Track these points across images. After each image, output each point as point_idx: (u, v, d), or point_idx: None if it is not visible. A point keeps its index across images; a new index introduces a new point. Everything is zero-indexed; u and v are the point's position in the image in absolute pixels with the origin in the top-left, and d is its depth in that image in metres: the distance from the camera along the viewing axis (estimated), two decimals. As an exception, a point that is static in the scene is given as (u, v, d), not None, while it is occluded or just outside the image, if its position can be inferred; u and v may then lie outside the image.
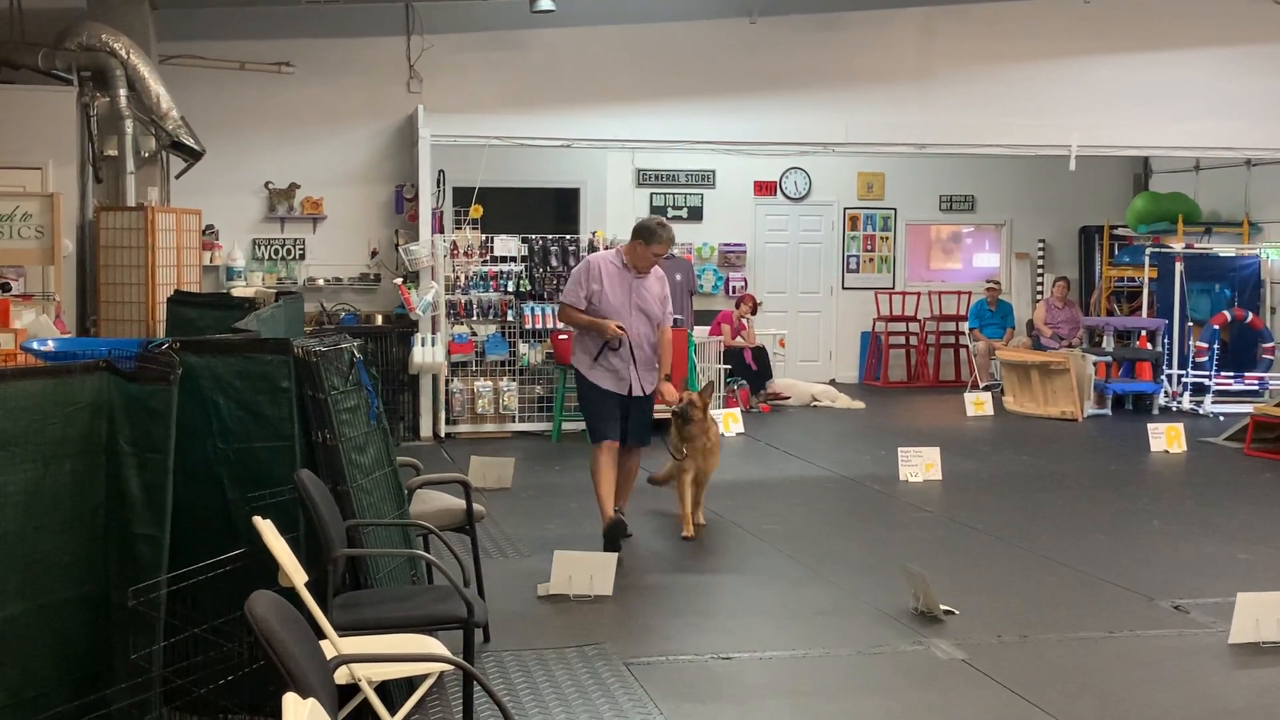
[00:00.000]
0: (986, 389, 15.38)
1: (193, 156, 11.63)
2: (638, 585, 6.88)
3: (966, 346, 16.94)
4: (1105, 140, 14.01)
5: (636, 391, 7.78)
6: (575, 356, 7.88)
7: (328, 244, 13.45)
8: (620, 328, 7.61)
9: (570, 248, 12.78)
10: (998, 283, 17.03)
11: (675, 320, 8.49)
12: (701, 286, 16.27)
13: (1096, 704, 5.25)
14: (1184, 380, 14.72)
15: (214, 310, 8.88)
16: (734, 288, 16.51)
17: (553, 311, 12.57)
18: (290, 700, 2.41)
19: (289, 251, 13.36)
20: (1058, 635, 6.17)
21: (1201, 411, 14.19)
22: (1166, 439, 11.86)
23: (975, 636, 6.06)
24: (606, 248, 12.66)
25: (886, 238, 17.53)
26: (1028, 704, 5.21)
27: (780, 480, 10.47)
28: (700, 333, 13.98)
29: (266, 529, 4.03)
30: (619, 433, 7.74)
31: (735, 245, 16.79)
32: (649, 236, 7.73)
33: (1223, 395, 14.45)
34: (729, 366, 14.12)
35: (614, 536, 7.51)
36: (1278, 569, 7.29)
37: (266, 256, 13.30)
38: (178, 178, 11.97)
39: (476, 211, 12.96)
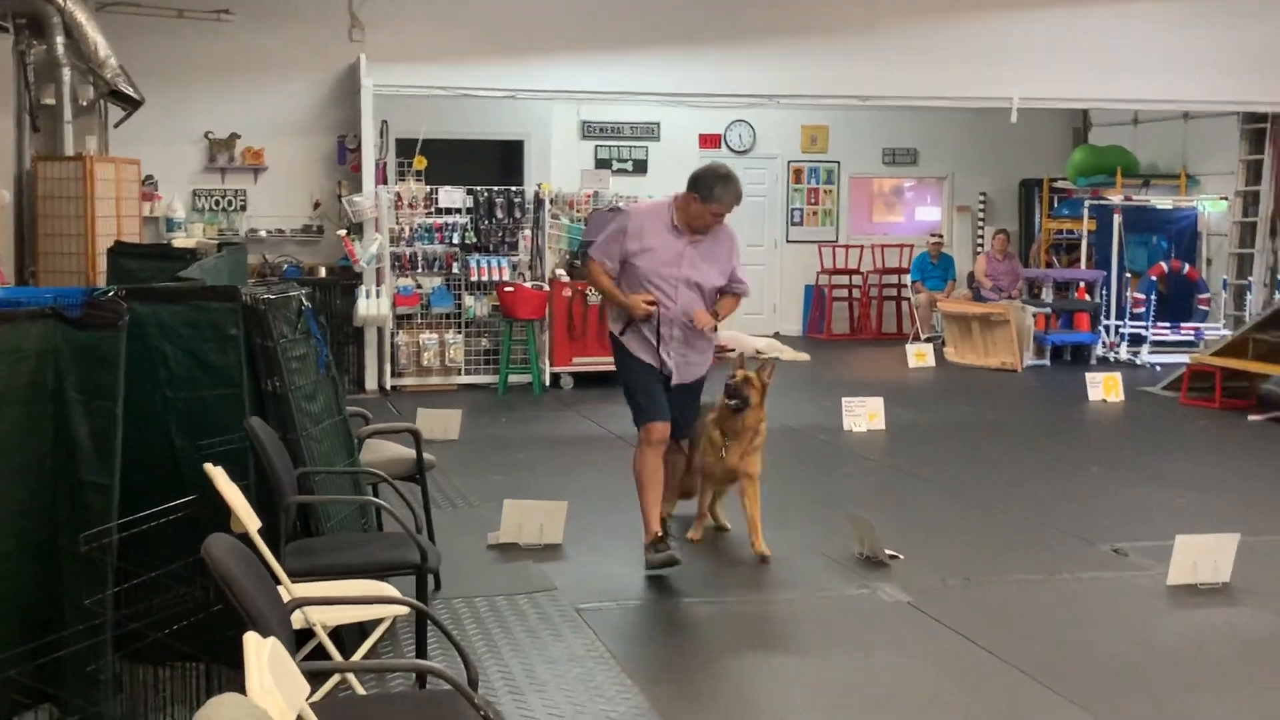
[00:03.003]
0: (928, 340, 15.54)
1: (131, 105, 11.44)
2: (588, 533, 6.92)
3: (908, 299, 17.07)
4: (1045, 93, 14.12)
5: (676, 380, 6.27)
6: (611, 320, 6.45)
7: (269, 195, 13.29)
8: (651, 303, 6.10)
9: (516, 200, 12.73)
10: (940, 236, 17.16)
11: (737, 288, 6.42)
12: (646, 239, 16.22)
13: (1038, 644, 5.36)
14: (1121, 331, 14.94)
15: (155, 261, 8.75)
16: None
17: (499, 264, 12.54)
18: (251, 639, 2.42)
19: (230, 203, 13.20)
20: (1000, 578, 6.28)
21: (1138, 361, 14.41)
22: (1104, 388, 12.05)
23: (920, 580, 6.16)
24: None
25: (830, 191, 17.61)
26: (972, 644, 5.31)
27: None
28: (645, 285, 13.99)
29: (218, 475, 4.01)
30: (667, 412, 6.22)
31: (680, 198, 16.78)
32: (706, 193, 6.07)
33: (1159, 345, 14.68)
34: (674, 319, 14.13)
35: (662, 562, 6.07)
36: (1213, 513, 7.45)
37: (207, 208, 13.12)
38: (116, 127, 11.78)
39: (420, 163, 12.87)
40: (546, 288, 12.44)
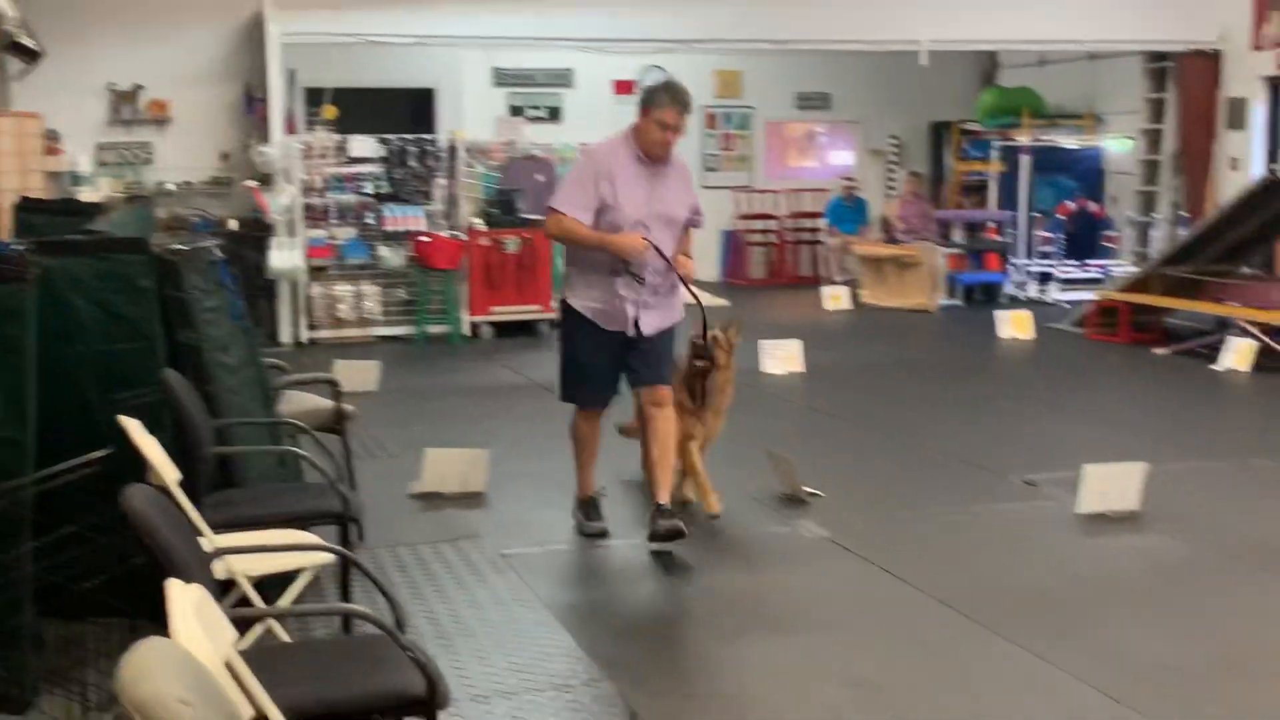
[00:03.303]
0: (844, 284, 15.67)
1: (31, 58, 11.15)
2: (511, 480, 6.93)
3: (823, 243, 17.20)
4: (954, 36, 14.22)
5: (649, 329, 5.74)
6: (571, 286, 5.84)
7: (176, 147, 13.03)
8: (647, 238, 5.58)
9: (429, 148, 12.60)
10: (853, 179, 17.28)
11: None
12: (561, 187, 16.17)
13: (954, 573, 5.48)
14: (1030, 269, 15.19)
15: (62, 217, 8.55)
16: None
17: (413, 214, 12.43)
18: (174, 585, 2.41)
19: (136, 156, 12.92)
20: (917, 512, 6.40)
21: (1047, 299, 14.66)
22: (1014, 326, 12.25)
23: (839, 516, 6.26)
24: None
25: (744, 136, 17.63)
26: (890, 576, 5.41)
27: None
28: (562, 233, 13.94)
29: (134, 427, 3.97)
30: (611, 393, 5.94)
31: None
32: (649, 100, 5.66)
33: (1067, 283, 14.95)
34: (591, 266, 14.12)
35: (596, 533, 5.92)
36: (1121, 444, 7.63)
37: (113, 161, 12.85)
38: (16, 80, 11.47)
39: (330, 113, 12.70)
40: (463, 237, 12.36)
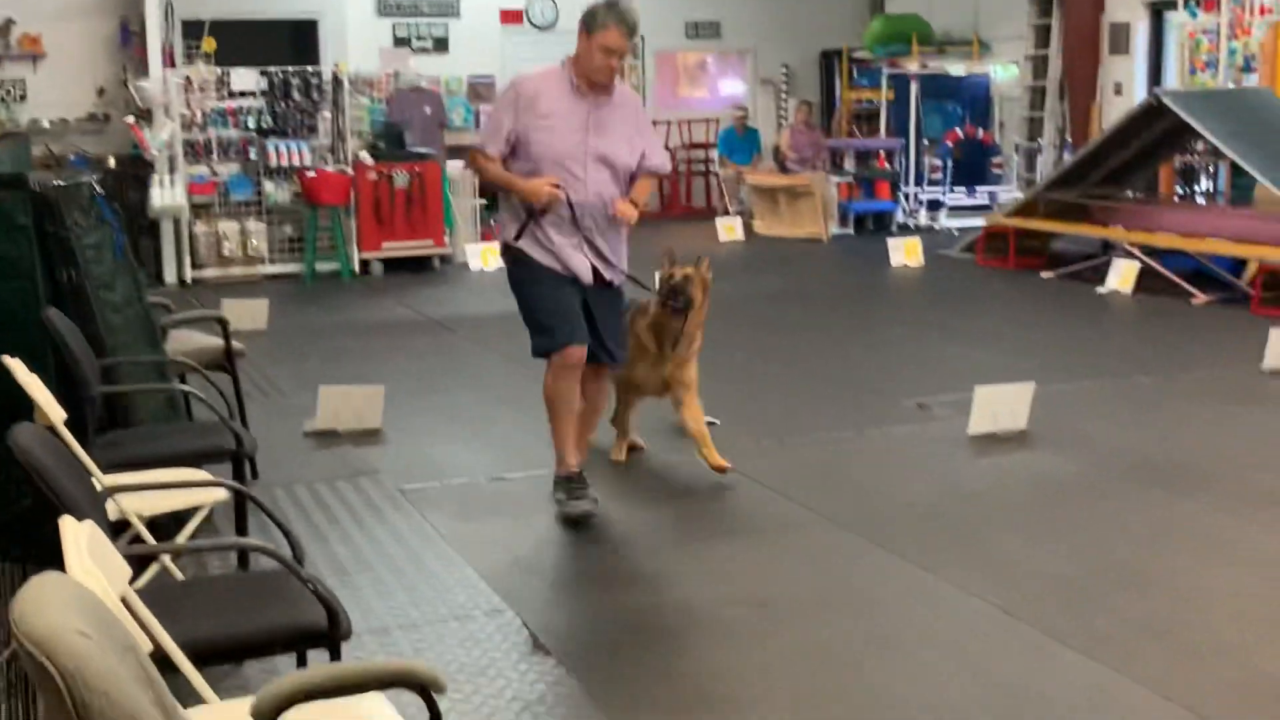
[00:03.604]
0: (737, 214, 15.73)
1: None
2: (408, 416, 6.88)
3: (716, 174, 17.21)
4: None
5: (585, 277, 5.18)
6: (504, 224, 5.37)
7: (51, 83, 12.62)
8: (557, 186, 5.02)
9: (313, 81, 12.34)
10: (744, 109, 17.28)
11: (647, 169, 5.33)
12: (452, 121, 15.98)
13: (850, 495, 5.57)
14: (920, 197, 15.37)
15: (-70, 155, 8.29)
16: (485, 121, 16.27)
17: (298, 148, 12.18)
18: (68, 521, 2.36)
19: (9, 93, 12.50)
20: (812, 437, 6.48)
21: (937, 226, 14.86)
22: (905, 253, 12.41)
23: (736, 443, 6.30)
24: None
25: (634, 66, 17.51)
26: (787, 499, 5.48)
27: (541, 309, 10.51)
28: (454, 167, 13.80)
29: (17, 366, 3.86)
30: (586, 335, 5.21)
31: (484, 77, 16.50)
32: (590, 22, 5.03)
33: (956, 209, 15.17)
34: (485, 201, 14.01)
35: (579, 516, 5.19)
36: (1010, 365, 7.79)
37: (-17, 99, 12.42)
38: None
39: (209, 45, 12.37)
40: (350, 171, 12.16)
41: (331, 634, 2.97)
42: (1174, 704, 3.61)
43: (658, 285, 5.66)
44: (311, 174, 11.98)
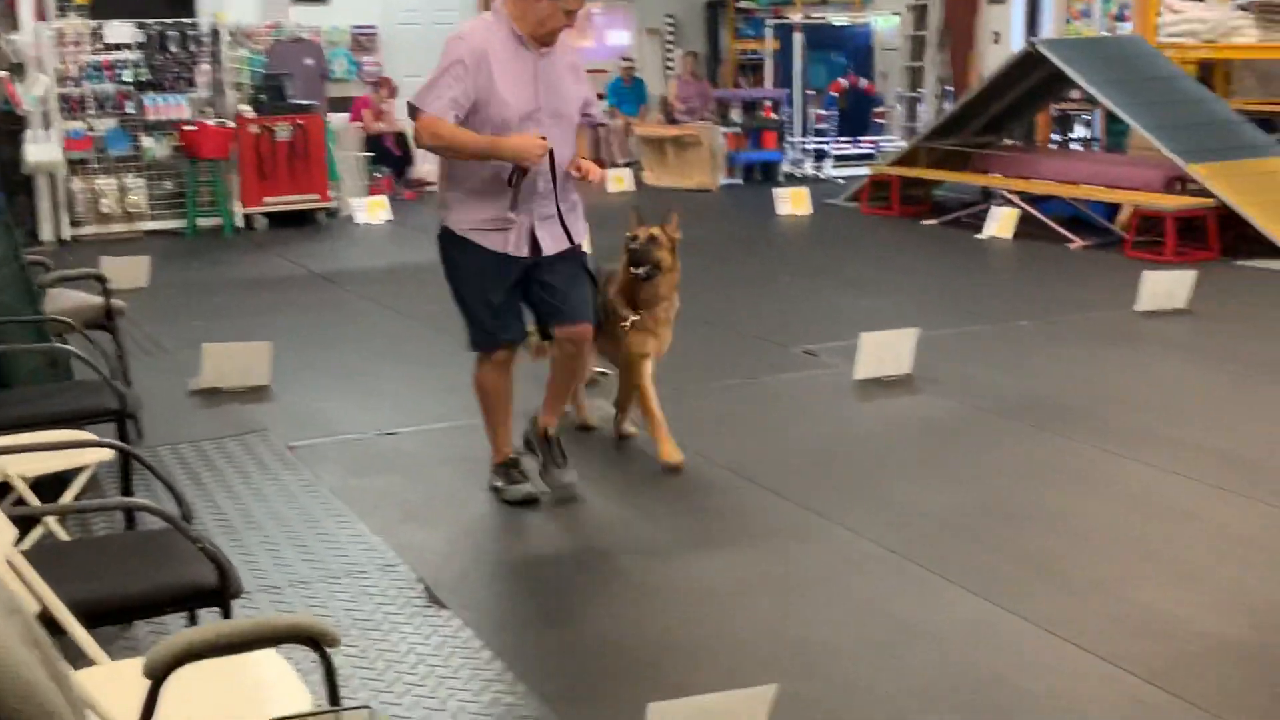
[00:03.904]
0: (626, 165, 15.71)
1: None
2: (296, 373, 6.80)
3: (605, 125, 17.14)
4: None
5: (551, 248, 4.75)
6: (449, 206, 4.75)
7: (-89, 36, 12.14)
8: (543, 138, 4.56)
9: (191, 33, 12.04)
10: (631, 60, 17.24)
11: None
12: (334, 72, 15.74)
13: (741, 443, 5.64)
14: (806, 147, 15.49)
15: None
16: (369, 72, 16.04)
17: (177, 102, 11.90)
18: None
19: None
20: (704, 386, 6.54)
21: (823, 175, 15.00)
22: (792, 203, 12.52)
23: (628, 393, 6.34)
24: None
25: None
26: (680, 448, 5.51)
27: (432, 264, 10.22)
28: (338, 119, 13.59)
29: (-114, 330, 3.74)
30: (522, 331, 4.96)
31: (366, 28, 16.25)
32: None
33: (842, 159, 15.32)
34: (371, 153, 13.83)
35: (521, 498, 4.94)
36: (895, 312, 7.92)
37: None
38: None
39: (82, -4, 12.00)
40: (231, 125, 11.91)
41: (222, 592, 2.94)
42: (1054, 636, 3.74)
43: (623, 246, 5.26)
44: (191, 128, 11.72)
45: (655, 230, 5.28)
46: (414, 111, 4.56)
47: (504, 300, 4.78)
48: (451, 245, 4.78)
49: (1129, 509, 4.78)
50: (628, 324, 5.28)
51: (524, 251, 4.70)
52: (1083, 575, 4.18)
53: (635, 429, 5.64)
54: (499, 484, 5.00)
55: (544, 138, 4.53)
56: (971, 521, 4.68)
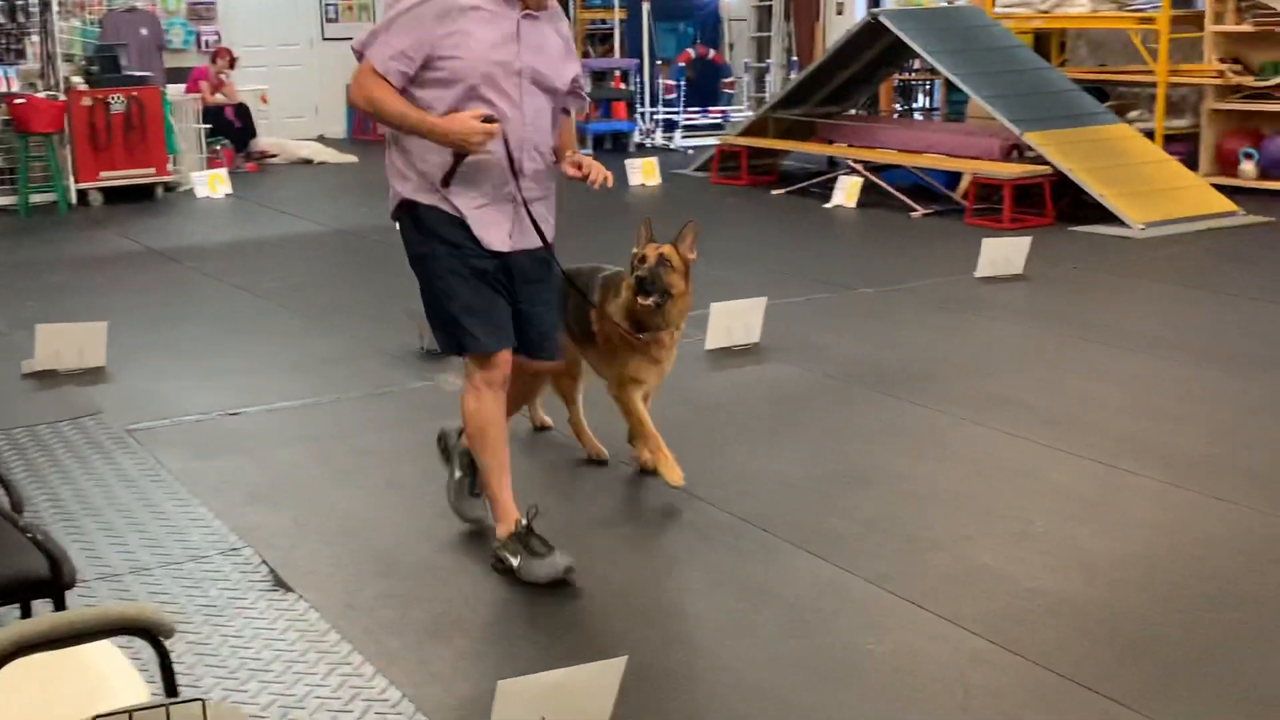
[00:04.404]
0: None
1: None
2: (133, 353, 6.61)
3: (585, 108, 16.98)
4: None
5: (523, 243, 3.98)
6: (399, 178, 3.96)
7: None
8: (491, 120, 3.75)
9: (19, 3, 11.58)
10: (478, 29, 17.07)
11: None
12: (170, 42, 15.29)
13: (592, 412, 5.60)
14: (656, 117, 15.52)
15: None
16: (207, 42, 15.62)
17: (5, 74, 11.43)
18: None
19: None
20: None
21: (673, 146, 15.06)
22: (643, 173, 12.55)
23: (478, 367, 6.30)
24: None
25: (364, -14, 17.08)
26: (525, 420, 5.53)
27: (276, 238, 10.25)
28: (176, 91, 13.21)
29: None
30: (511, 331, 3.99)
31: (204, -3, 15.83)
32: None
33: (691, 129, 15.39)
34: (210, 126, 13.47)
35: (550, 576, 3.90)
36: (743, 281, 8.00)
37: None
38: None
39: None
40: (62, 98, 11.49)
41: (54, 582, 2.85)
42: (897, 597, 3.83)
43: (630, 267, 4.58)
44: (20, 101, 11.27)
45: (667, 250, 4.53)
46: (358, 57, 3.85)
47: (485, 292, 3.91)
48: (416, 219, 3.94)
49: (969, 471, 4.91)
50: (635, 347, 4.60)
51: (496, 243, 3.90)
52: (925, 536, 4.28)
53: (549, 420, 5.35)
54: (518, 561, 3.93)
55: (492, 118, 3.72)
56: (819, 487, 4.76)
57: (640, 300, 4.51)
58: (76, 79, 11.68)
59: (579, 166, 3.95)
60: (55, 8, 11.67)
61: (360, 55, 3.84)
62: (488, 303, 3.93)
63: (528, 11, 3.88)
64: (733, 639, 3.61)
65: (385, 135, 4.03)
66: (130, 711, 1.81)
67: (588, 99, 4.28)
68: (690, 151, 14.49)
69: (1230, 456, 4.97)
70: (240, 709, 3.18)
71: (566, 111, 4.13)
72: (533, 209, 3.95)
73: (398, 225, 4.03)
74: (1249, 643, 3.53)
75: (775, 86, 15.16)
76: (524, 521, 3.98)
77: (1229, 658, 3.45)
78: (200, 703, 1.82)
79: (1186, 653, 3.48)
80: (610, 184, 3.95)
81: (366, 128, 16.86)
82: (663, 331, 4.61)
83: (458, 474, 4.34)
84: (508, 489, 4.03)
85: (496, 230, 3.92)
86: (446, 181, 3.84)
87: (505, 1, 3.84)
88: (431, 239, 3.91)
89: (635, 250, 4.57)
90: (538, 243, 4.01)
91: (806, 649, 3.55)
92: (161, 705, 1.80)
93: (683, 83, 15.44)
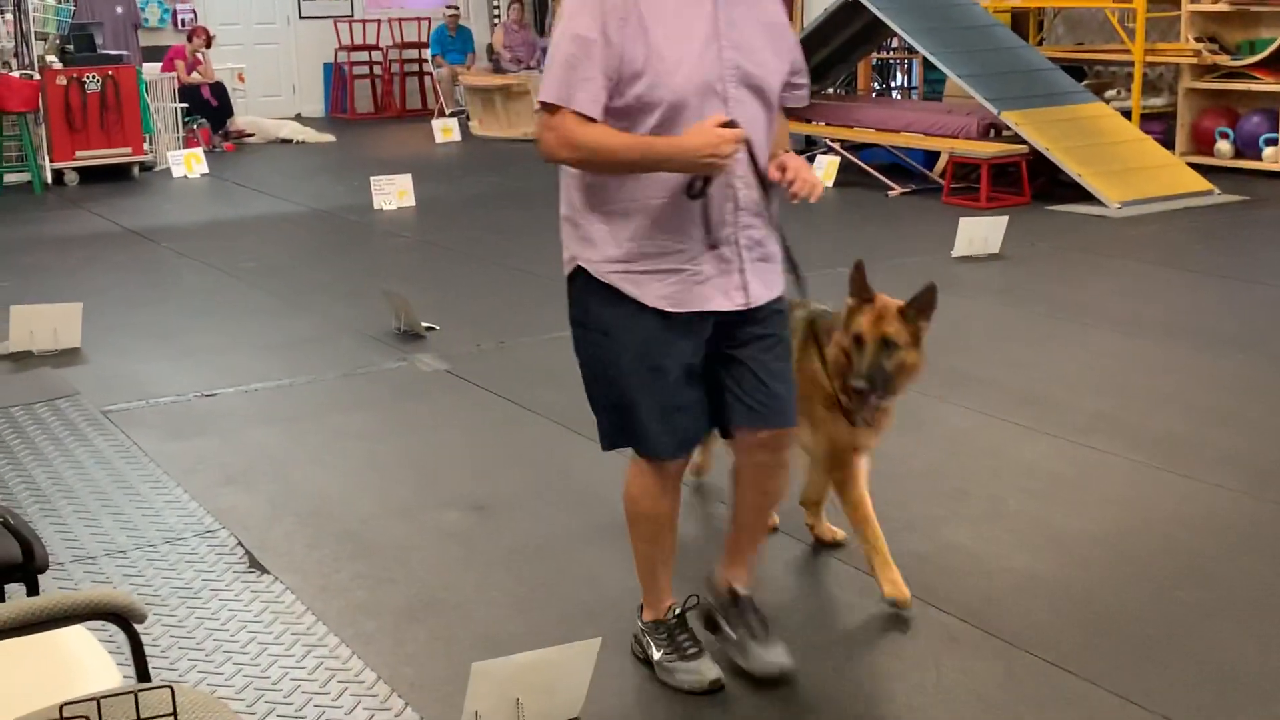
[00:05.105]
0: (453, 115, 15.53)
1: None
2: (109, 334, 6.60)
3: (430, 74, 16.92)
4: None
5: (761, 294, 3.11)
6: (586, 236, 3.07)
7: None
8: (732, 124, 2.88)
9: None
10: (456, 8, 17.00)
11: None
12: (146, 20, 15.18)
13: (567, 393, 5.57)
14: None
15: None
16: (183, 20, 15.52)
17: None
18: None
19: None
20: (531, 338, 6.53)
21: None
22: (622, 152, 12.52)
23: (456, 348, 6.31)
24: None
25: (340, -37, 16.99)
26: (506, 401, 5.53)
27: (253, 218, 10.21)
28: (151, 70, 13.13)
29: None
30: (702, 428, 3.21)
31: (179, -26, 15.72)
32: None
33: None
34: (186, 105, 13.40)
35: (699, 685, 3.24)
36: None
37: None
38: None
39: None
40: (37, 77, 11.42)
41: (26, 566, 2.84)
42: (871, 577, 3.84)
43: (844, 348, 3.60)
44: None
45: (892, 327, 3.53)
46: (548, 108, 2.92)
47: (674, 383, 3.06)
48: (591, 297, 3.07)
49: (942, 450, 4.93)
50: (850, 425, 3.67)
51: (733, 302, 3.05)
52: (898, 515, 4.29)
53: (840, 533, 4.13)
54: (659, 655, 3.31)
55: (732, 122, 2.88)
56: (790, 469, 4.77)
57: (867, 397, 3.56)
58: (51, 58, 11.60)
59: (783, 170, 2.99)
60: (29, -15, 11.58)
61: (551, 109, 2.92)
62: (675, 394, 3.07)
63: None
64: (707, 619, 3.63)
65: (565, 180, 3.09)
66: (98, 699, 1.81)
67: (806, 95, 3.24)
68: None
69: (1203, 435, 5.01)
70: (211, 693, 3.19)
71: (796, 104, 3.26)
72: (760, 245, 3.09)
73: (567, 286, 3.15)
74: (1218, 621, 3.56)
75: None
76: (677, 611, 3.36)
77: (1199, 636, 3.48)
78: (169, 688, 1.82)
79: (1157, 631, 3.51)
80: (815, 199, 2.99)
81: (343, 107, 16.79)
82: (884, 401, 3.65)
83: (661, 653, 3.32)
84: (665, 577, 3.34)
85: (699, 291, 3.03)
86: (710, 234, 3.01)
87: None
88: (609, 315, 3.04)
89: (850, 301, 3.60)
90: (770, 295, 3.13)
91: (782, 629, 3.57)
92: (130, 692, 1.80)
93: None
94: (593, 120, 2.89)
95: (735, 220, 3.04)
